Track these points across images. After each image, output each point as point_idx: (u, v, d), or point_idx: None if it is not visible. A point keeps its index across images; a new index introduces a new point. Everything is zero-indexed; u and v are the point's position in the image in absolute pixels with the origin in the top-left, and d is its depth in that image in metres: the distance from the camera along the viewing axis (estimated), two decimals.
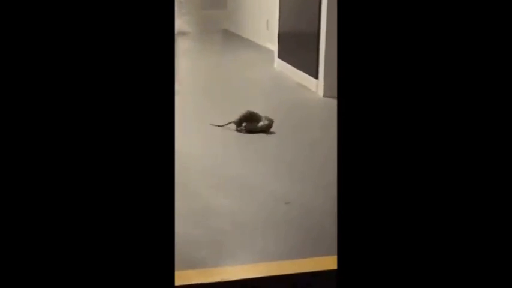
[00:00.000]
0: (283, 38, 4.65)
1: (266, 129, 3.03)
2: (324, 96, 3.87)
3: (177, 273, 1.56)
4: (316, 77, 3.98)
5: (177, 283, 1.56)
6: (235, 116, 3.10)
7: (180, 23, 7.20)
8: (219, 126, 3.09)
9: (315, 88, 3.96)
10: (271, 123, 3.03)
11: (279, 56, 4.72)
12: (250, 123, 3.05)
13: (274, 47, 4.89)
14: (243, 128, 3.05)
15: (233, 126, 3.07)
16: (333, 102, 3.67)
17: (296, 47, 4.40)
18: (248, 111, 3.07)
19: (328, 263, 1.78)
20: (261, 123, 3.06)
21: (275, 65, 4.79)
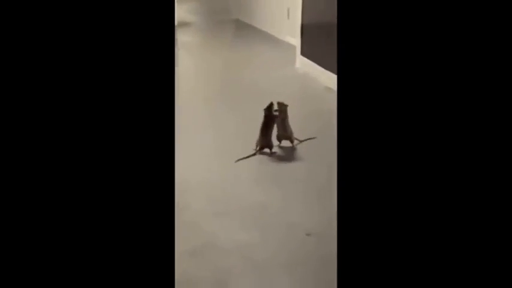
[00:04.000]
0: (307, 30, 4.66)
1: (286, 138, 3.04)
2: None
3: None
4: None
5: None
6: (255, 136, 3.06)
7: (181, 12, 7.28)
8: (244, 158, 2.95)
9: None
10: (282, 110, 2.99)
11: (303, 53, 4.68)
12: (284, 137, 3.01)
13: (296, 41, 4.84)
14: (275, 149, 3.01)
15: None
16: None
17: (324, 41, 4.29)
18: (267, 111, 2.95)
19: None
20: (296, 138, 3.06)
21: (297, 64, 4.77)
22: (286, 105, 3.01)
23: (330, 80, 4.18)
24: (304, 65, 4.57)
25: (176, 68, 4.82)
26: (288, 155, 2.99)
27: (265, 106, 3.07)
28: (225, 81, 4.37)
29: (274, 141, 3.02)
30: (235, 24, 6.66)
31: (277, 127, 2.98)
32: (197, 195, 2.56)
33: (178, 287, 1.62)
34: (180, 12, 7.27)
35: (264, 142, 2.94)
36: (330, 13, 4.19)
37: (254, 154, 2.95)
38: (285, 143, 3.06)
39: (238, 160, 2.89)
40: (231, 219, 2.33)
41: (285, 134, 3.00)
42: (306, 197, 2.57)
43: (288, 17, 5.28)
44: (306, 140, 3.10)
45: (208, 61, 5.00)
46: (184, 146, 3.10)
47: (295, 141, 3.06)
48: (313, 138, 3.15)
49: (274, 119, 2.98)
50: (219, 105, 3.83)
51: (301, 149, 3.04)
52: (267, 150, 2.98)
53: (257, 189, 2.64)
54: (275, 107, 3.01)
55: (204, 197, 2.55)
